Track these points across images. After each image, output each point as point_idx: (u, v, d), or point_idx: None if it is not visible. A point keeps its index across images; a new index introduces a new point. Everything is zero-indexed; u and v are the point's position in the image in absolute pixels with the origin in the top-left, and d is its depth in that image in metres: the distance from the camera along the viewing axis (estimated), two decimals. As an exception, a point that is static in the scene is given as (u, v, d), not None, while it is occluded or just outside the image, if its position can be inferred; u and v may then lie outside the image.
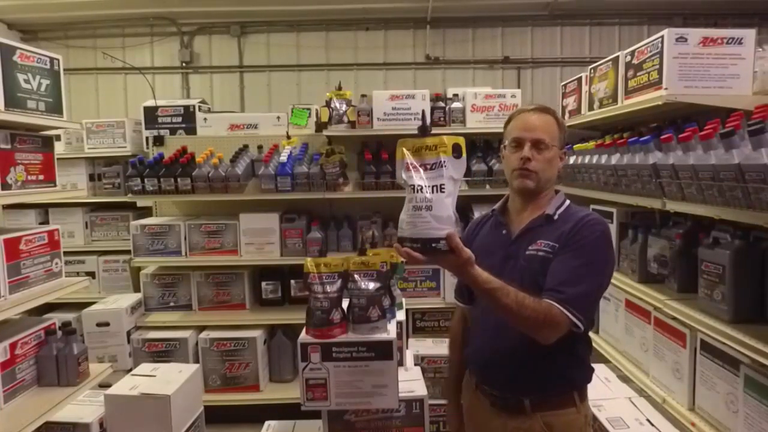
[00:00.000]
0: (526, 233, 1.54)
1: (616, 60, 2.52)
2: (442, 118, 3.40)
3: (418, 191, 1.22)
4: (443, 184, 1.22)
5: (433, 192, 1.22)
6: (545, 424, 1.48)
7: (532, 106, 1.61)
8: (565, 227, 1.48)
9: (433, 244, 1.20)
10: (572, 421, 1.51)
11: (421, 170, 1.25)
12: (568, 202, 1.59)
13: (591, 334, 2.70)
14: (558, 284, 1.39)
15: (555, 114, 1.60)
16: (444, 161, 1.23)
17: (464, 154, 1.25)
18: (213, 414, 2.81)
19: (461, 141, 1.26)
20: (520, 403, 1.51)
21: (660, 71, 2.08)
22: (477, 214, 3.31)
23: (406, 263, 1.30)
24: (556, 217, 1.52)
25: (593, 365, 1.61)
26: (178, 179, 3.29)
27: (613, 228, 2.55)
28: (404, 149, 1.29)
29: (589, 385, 1.58)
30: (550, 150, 1.52)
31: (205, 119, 3.79)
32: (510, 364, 1.52)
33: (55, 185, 2.30)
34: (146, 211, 3.96)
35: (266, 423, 2.16)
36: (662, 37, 2.07)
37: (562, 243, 1.46)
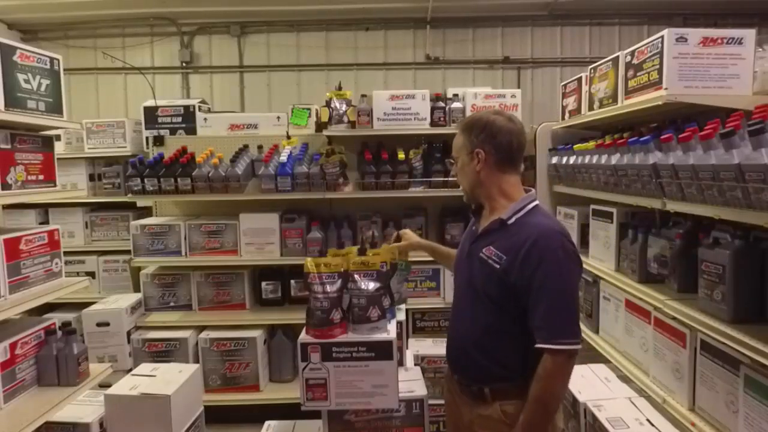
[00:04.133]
0: (483, 235, 1.63)
1: (616, 60, 2.52)
2: (442, 118, 3.40)
3: None
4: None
5: None
6: (502, 412, 1.55)
7: None
8: (516, 239, 1.52)
9: None
10: None
11: None
12: (530, 206, 1.60)
13: (591, 334, 2.73)
14: (542, 331, 1.46)
15: (463, 123, 1.67)
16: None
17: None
18: (213, 414, 2.81)
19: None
20: (481, 391, 1.59)
21: (660, 71, 2.08)
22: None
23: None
24: (510, 222, 1.57)
25: (593, 366, 1.61)
26: (178, 179, 3.29)
27: (613, 228, 2.55)
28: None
29: (589, 385, 1.58)
30: (457, 162, 1.67)
31: (205, 119, 3.79)
32: (468, 354, 1.62)
33: (55, 185, 2.30)
34: (146, 211, 3.96)
35: (266, 423, 2.17)
36: (662, 37, 2.06)
37: (511, 258, 1.51)
